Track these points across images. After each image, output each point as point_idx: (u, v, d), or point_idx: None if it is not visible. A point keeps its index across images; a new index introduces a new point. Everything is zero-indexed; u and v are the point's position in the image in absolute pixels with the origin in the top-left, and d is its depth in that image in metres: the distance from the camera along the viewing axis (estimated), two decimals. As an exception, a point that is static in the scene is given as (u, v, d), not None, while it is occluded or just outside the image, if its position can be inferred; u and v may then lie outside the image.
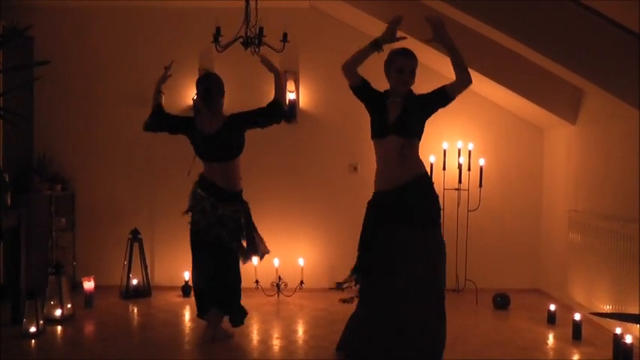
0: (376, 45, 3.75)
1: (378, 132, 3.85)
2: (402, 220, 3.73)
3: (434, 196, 3.85)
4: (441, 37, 3.68)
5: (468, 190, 6.07)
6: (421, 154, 3.92)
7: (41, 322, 4.76)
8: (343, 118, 6.39)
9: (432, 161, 6.00)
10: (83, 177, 6.45)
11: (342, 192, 6.41)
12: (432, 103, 3.80)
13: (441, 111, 3.86)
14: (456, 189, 6.08)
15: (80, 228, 6.45)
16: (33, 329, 4.70)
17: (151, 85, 6.13)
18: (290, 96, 6.28)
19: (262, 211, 6.38)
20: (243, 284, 4.86)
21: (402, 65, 3.76)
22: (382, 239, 3.77)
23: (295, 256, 6.32)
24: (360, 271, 3.90)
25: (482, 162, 5.94)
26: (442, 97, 3.77)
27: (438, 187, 5.83)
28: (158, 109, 4.77)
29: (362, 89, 3.87)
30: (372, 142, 3.95)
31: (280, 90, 4.67)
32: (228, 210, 4.58)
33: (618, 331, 4.35)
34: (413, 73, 3.80)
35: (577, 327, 4.81)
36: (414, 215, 3.75)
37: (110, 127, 6.46)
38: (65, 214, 6.24)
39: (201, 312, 4.73)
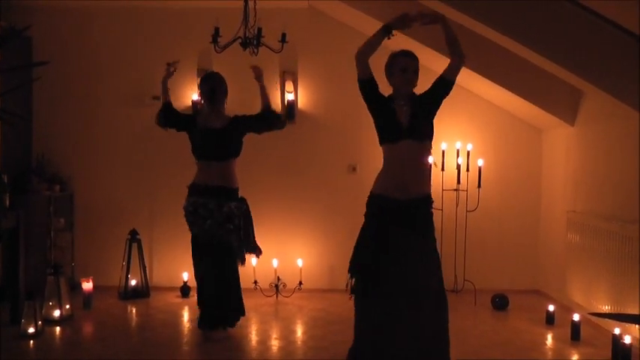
0: (387, 30, 3.65)
1: (390, 137, 3.71)
2: (407, 226, 3.69)
3: (432, 214, 3.81)
4: (433, 18, 3.68)
5: (467, 190, 6.07)
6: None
7: (40, 322, 4.76)
8: (342, 119, 6.40)
9: (430, 162, 6.00)
10: (82, 177, 6.45)
11: (341, 192, 6.41)
12: (435, 95, 3.74)
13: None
14: (454, 189, 6.08)
15: (79, 228, 6.44)
16: (32, 330, 4.69)
17: (150, 85, 6.20)
18: (289, 96, 6.28)
19: (261, 212, 6.38)
20: (241, 285, 4.87)
21: (406, 64, 3.69)
22: (385, 242, 3.71)
23: (294, 257, 6.32)
24: (357, 271, 3.78)
25: (480, 163, 5.94)
26: (442, 84, 3.72)
27: (436, 187, 5.93)
28: (169, 106, 4.88)
29: (370, 85, 3.75)
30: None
31: (266, 99, 4.84)
32: (229, 207, 4.60)
33: (617, 331, 4.35)
34: (416, 73, 3.72)
35: (576, 327, 4.81)
36: (417, 223, 3.71)
37: (109, 127, 6.47)
38: (64, 214, 6.23)
39: (209, 325, 4.73)
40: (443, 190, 6.05)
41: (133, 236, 6.08)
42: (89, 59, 6.44)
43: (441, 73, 3.75)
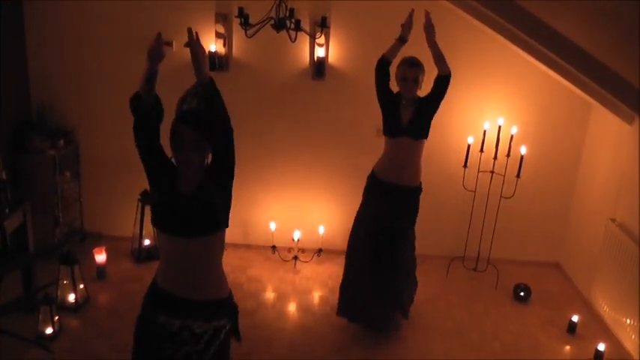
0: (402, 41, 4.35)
1: (391, 132, 4.40)
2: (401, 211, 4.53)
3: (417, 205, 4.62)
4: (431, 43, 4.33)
5: (505, 175, 5.63)
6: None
7: (56, 318, 4.57)
8: (373, 78, 5.73)
9: (470, 142, 5.56)
10: (86, 127, 5.89)
11: (366, 156, 5.91)
12: (435, 96, 4.34)
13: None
14: (490, 171, 5.67)
15: (85, 180, 6.02)
16: (49, 330, 4.53)
17: (160, 28, 5.34)
18: (319, 52, 5.57)
19: (281, 174, 6.02)
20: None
21: (404, 74, 4.32)
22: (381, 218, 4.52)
23: (316, 223, 6.04)
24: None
25: (523, 150, 5.45)
26: (439, 82, 4.31)
27: (473, 168, 5.56)
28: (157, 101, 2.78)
29: (385, 70, 4.41)
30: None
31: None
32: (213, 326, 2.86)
33: None
34: (416, 81, 4.30)
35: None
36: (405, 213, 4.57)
37: (115, 72, 5.71)
38: (69, 166, 5.81)
39: None
40: (479, 171, 5.68)
41: (145, 197, 5.70)
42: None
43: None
